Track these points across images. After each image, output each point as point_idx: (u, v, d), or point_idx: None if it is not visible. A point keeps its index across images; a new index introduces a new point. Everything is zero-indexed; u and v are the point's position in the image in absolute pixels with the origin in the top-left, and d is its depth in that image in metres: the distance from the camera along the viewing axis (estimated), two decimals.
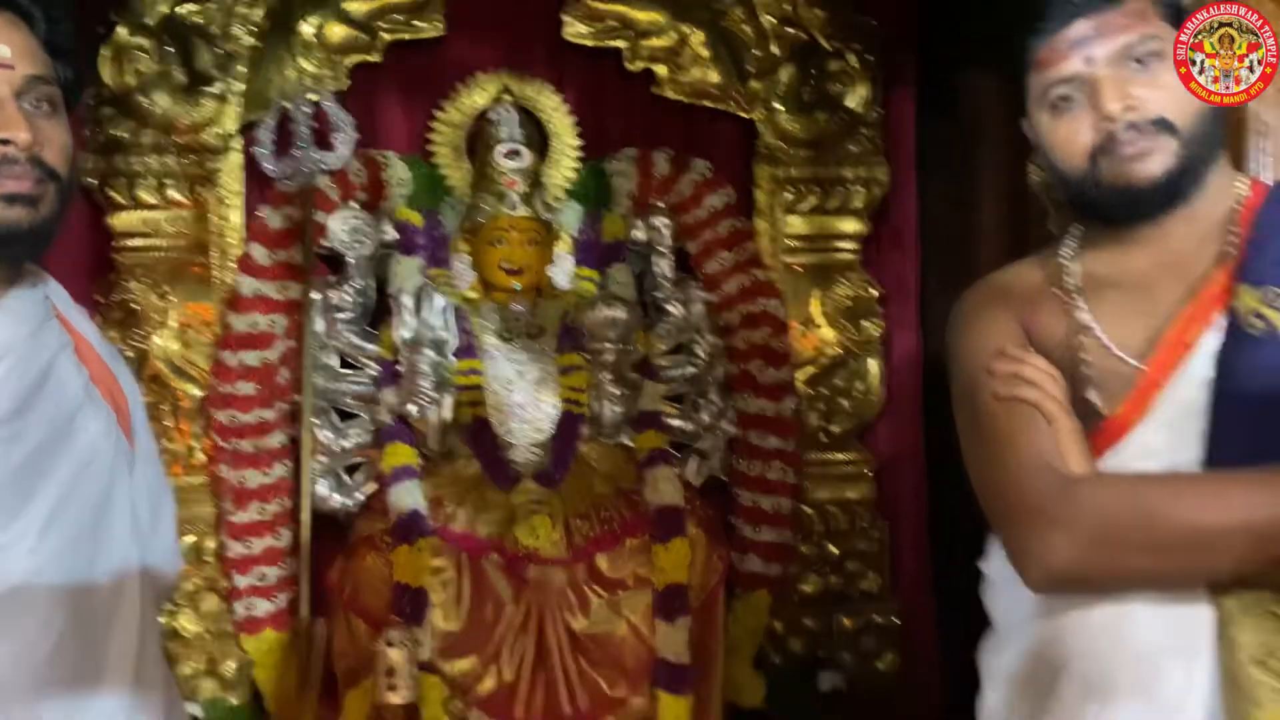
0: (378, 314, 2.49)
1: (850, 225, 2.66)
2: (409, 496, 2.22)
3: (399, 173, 2.53)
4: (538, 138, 2.55)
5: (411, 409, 2.34)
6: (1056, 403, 1.09)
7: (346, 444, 2.43)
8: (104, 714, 1.06)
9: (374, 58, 2.53)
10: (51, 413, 1.06)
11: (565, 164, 2.59)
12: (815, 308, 2.64)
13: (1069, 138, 1.11)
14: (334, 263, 2.49)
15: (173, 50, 2.41)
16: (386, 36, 2.52)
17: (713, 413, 2.54)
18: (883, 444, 2.69)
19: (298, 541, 2.36)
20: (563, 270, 2.53)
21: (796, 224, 2.64)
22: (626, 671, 2.12)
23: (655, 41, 2.60)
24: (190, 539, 2.40)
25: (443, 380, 2.36)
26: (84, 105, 2.34)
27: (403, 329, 2.38)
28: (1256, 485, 0.98)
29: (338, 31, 2.50)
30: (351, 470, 2.45)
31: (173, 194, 2.45)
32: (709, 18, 2.61)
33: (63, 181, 1.08)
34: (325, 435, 2.42)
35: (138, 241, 2.46)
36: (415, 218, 2.53)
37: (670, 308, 2.54)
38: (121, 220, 2.45)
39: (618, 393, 2.44)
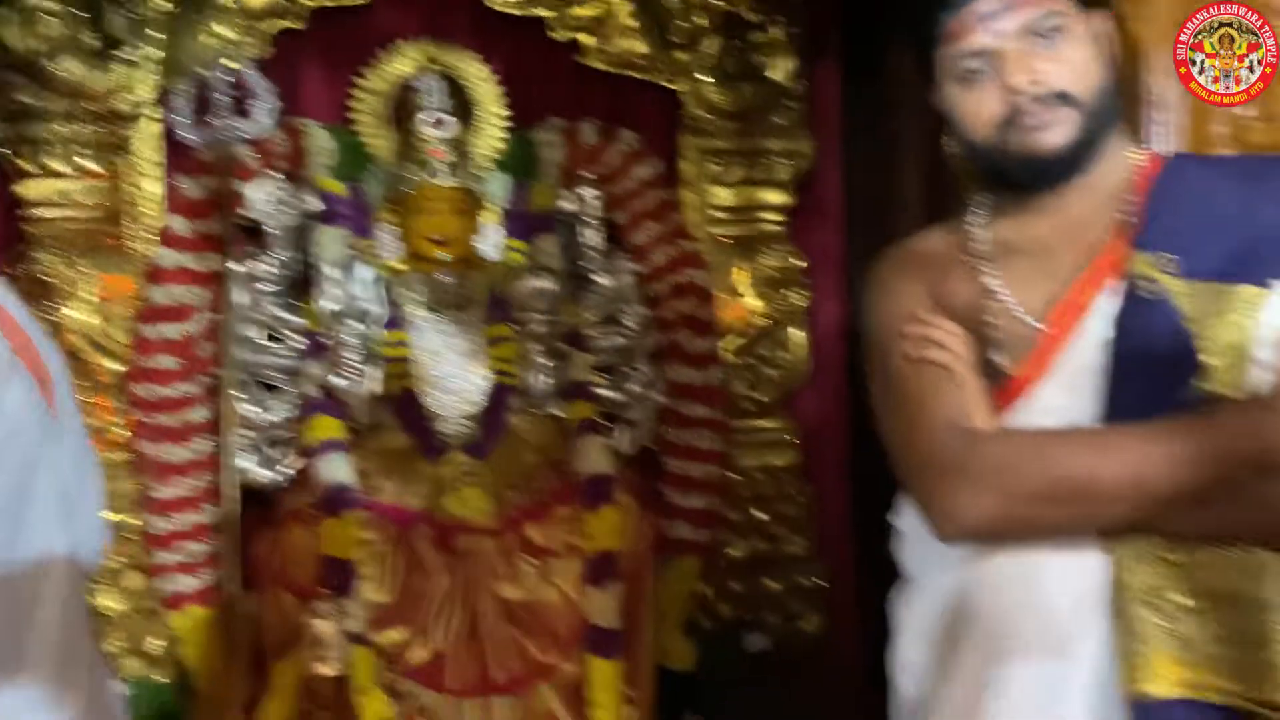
0: (302, 286, 2.46)
1: (775, 196, 2.69)
2: (336, 469, 2.21)
3: (320, 141, 2.49)
4: (463, 107, 2.53)
5: (339, 381, 2.32)
6: (964, 363, 1.14)
7: (271, 418, 2.40)
8: (27, 701, 1.05)
9: (297, 24, 2.47)
10: None
11: (491, 133, 2.57)
12: (741, 278, 2.66)
13: (977, 109, 1.15)
14: (258, 234, 2.44)
15: (84, 14, 2.33)
16: (309, 3, 2.47)
17: (642, 382, 2.56)
18: (808, 411, 2.73)
19: (225, 518, 2.33)
20: (491, 241, 2.52)
21: (722, 195, 2.66)
22: (558, 638, 2.13)
23: (581, 10, 2.58)
24: (112, 516, 2.36)
25: (370, 353, 2.35)
26: None
27: (328, 301, 2.36)
28: (1148, 438, 1.03)
29: None
30: (278, 445, 2.43)
31: (84, 163, 2.37)
32: None
33: None
34: (248, 409, 2.38)
35: (49, 211, 2.38)
36: (338, 187, 2.49)
37: (599, 278, 2.55)
38: (31, 189, 2.37)
39: (547, 364, 2.45)
